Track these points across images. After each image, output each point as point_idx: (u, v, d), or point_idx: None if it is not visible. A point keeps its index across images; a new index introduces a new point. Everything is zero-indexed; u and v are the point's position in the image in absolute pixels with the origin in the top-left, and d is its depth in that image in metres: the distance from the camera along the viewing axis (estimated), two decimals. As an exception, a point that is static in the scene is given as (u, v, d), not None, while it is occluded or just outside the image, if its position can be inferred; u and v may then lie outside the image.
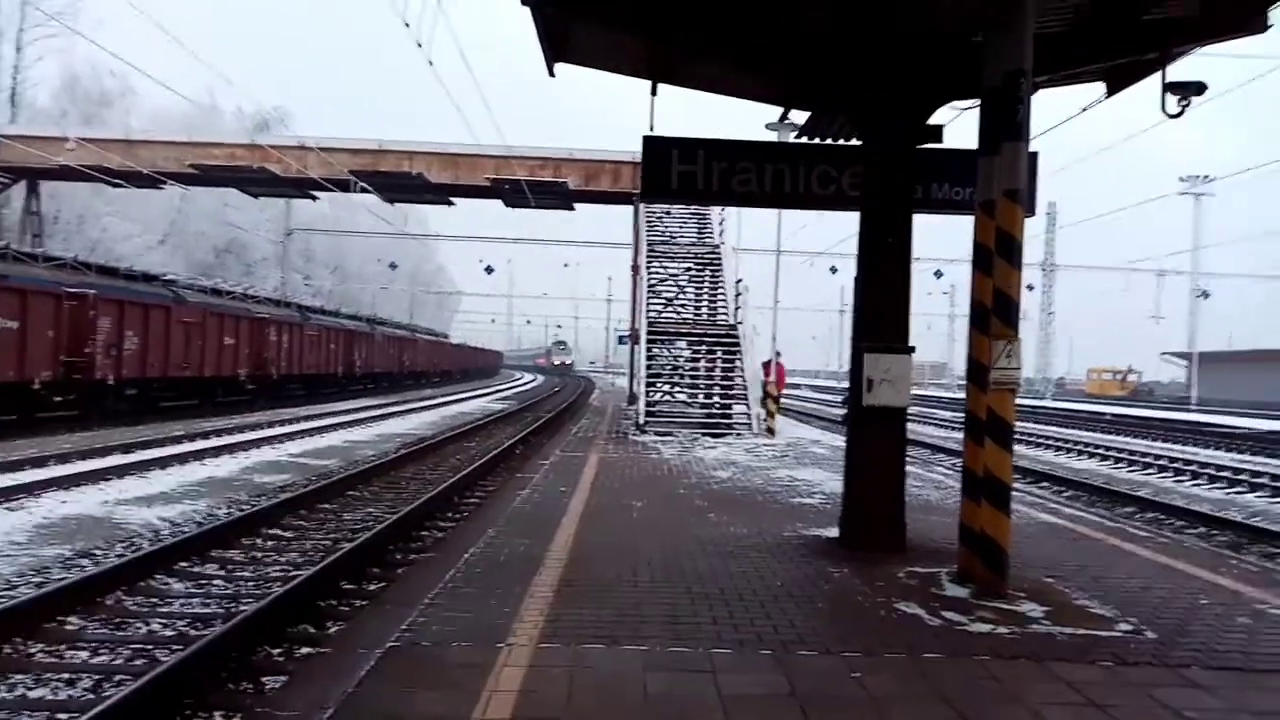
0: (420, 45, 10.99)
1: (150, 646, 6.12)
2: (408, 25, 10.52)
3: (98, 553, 8.75)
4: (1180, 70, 7.24)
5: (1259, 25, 6.63)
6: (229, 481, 13.61)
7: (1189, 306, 58.55)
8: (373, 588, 7.81)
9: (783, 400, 20.96)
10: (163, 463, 14.57)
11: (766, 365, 21.18)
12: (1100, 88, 8.01)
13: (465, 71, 15.76)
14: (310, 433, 21.17)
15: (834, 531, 8.06)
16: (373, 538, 9.12)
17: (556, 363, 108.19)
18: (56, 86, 50.86)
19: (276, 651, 6.15)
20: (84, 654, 5.99)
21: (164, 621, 6.69)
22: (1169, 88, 6.92)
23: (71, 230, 48.10)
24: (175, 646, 5.98)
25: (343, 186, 35.38)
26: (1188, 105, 6.89)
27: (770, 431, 18.99)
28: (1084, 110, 9.14)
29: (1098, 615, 5.68)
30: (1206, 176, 54.99)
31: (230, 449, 16.98)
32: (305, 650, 6.15)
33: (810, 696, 4.19)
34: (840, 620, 5.41)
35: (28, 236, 36.97)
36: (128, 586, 7.40)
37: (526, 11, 7.21)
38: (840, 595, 6.01)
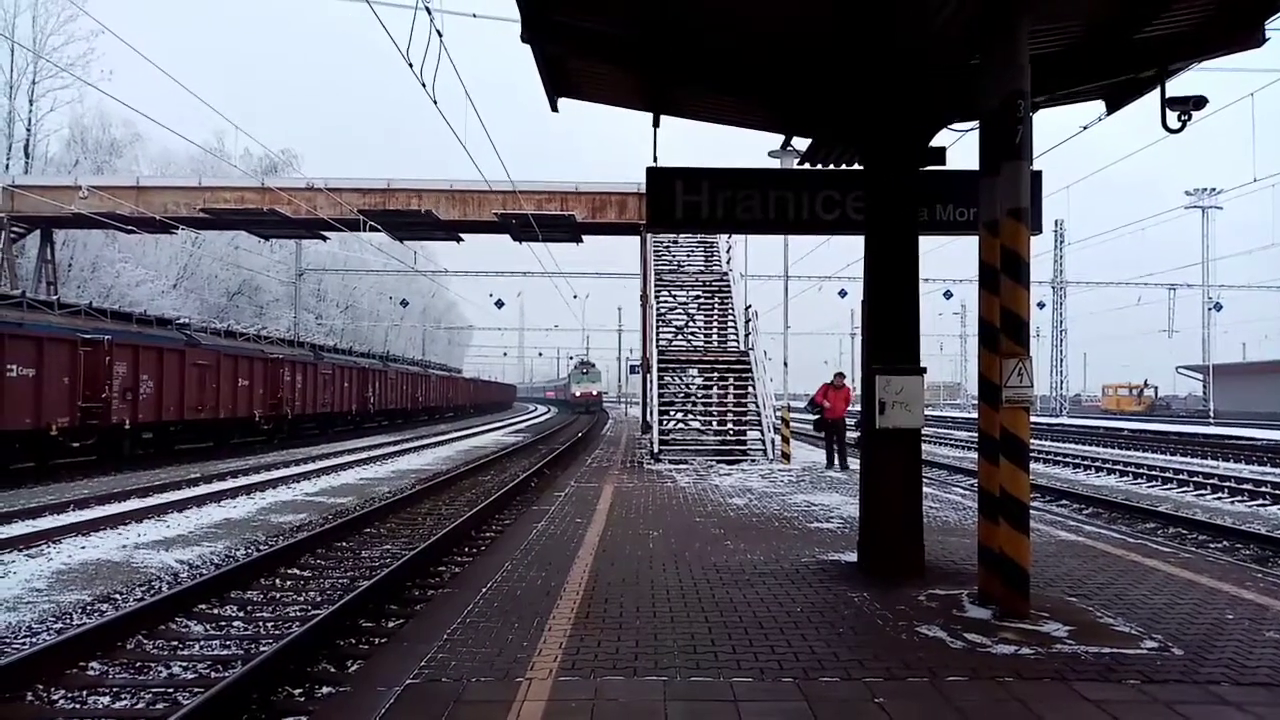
0: (424, 85, 11.13)
1: (171, 690, 6.12)
2: (411, 65, 10.66)
3: (117, 597, 8.78)
4: (1181, 85, 7.30)
5: (1256, 39, 6.67)
6: (246, 522, 13.65)
7: (1202, 320, 58.30)
8: (391, 625, 7.81)
9: (794, 425, 20.56)
10: (180, 505, 14.62)
11: (825, 389, 17.67)
12: (1100, 106, 8.06)
13: (470, 109, 15.93)
14: (326, 471, 21.22)
15: (852, 556, 8.03)
16: (390, 575, 9.12)
17: (579, 394, 78.47)
18: (68, 136, 51.58)
19: (297, 691, 6.15)
20: (105, 699, 5.99)
21: (184, 664, 6.70)
22: (1169, 103, 6.96)
23: (85, 277, 48.53)
24: (196, 689, 5.98)
25: (352, 226, 35.67)
26: (1188, 120, 6.92)
27: (785, 457, 18.94)
28: (1084, 128, 9.19)
29: (1122, 633, 5.63)
30: (1213, 189, 54.94)
31: (246, 490, 17.03)
32: (325, 690, 6.15)
33: (833, 723, 4.16)
34: (861, 645, 5.37)
35: (43, 284, 37.37)
36: (148, 630, 7.42)
37: (529, 49, 7.33)
38: (860, 620, 5.97)
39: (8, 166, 44.64)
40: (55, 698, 5.97)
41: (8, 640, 7.22)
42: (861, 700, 4.45)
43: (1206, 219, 55.65)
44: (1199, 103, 6.92)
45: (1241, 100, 20.55)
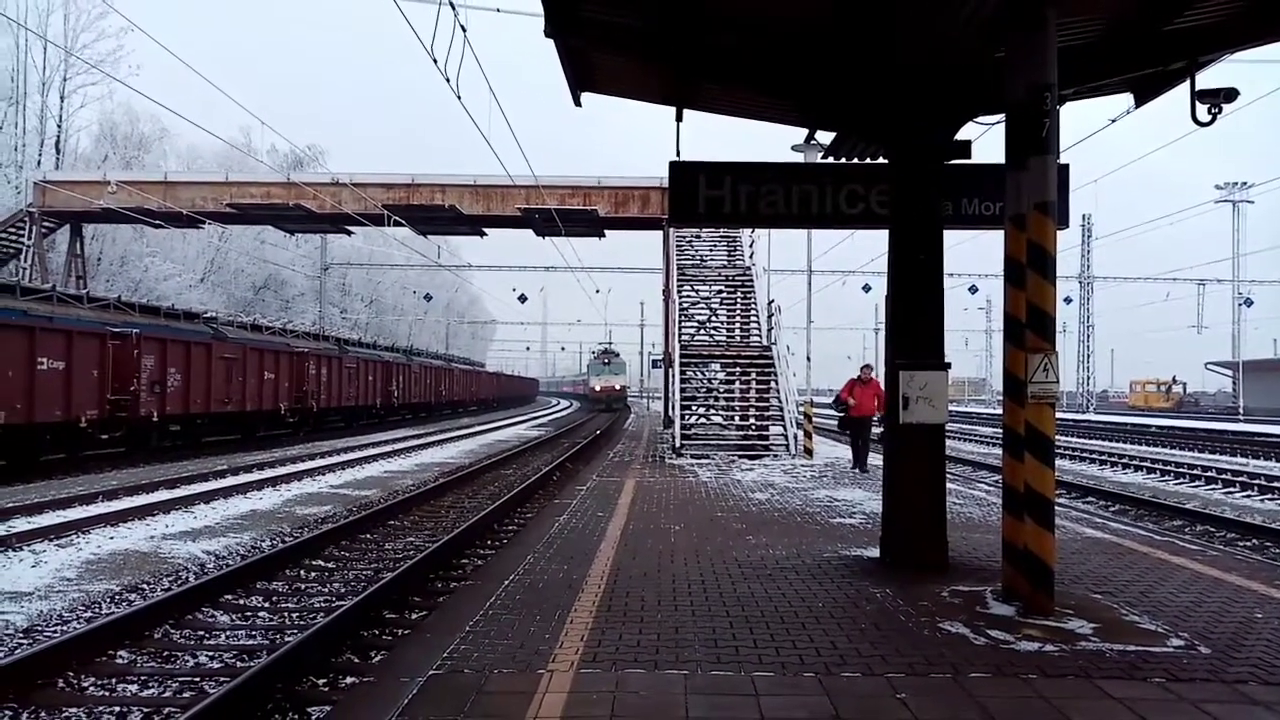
0: (449, 80, 11.16)
1: (198, 679, 6.19)
2: (435, 61, 10.69)
3: (145, 587, 8.89)
4: (1211, 77, 7.19)
5: (1289, 29, 6.56)
6: (272, 514, 13.78)
7: (1232, 315, 57.47)
8: (414, 616, 7.86)
9: (816, 420, 20.47)
10: (207, 497, 14.78)
11: (851, 384, 16.15)
12: (1128, 98, 7.96)
13: (493, 104, 15.95)
14: (350, 464, 21.38)
15: (875, 551, 8.00)
16: (414, 567, 9.18)
17: (599, 388, 69.62)
18: (97, 132, 52.21)
19: (321, 681, 6.20)
20: (134, 687, 6.07)
21: (211, 654, 6.78)
22: (1198, 96, 6.85)
23: (114, 271, 49.07)
24: (222, 678, 6.05)
25: (377, 221, 35.89)
26: (1219, 113, 6.82)
27: (808, 452, 18.88)
28: (1113, 122, 9.08)
29: (1148, 631, 5.58)
30: (1244, 183, 54.12)
31: (272, 482, 17.19)
32: (349, 680, 6.20)
33: (854, 718, 4.15)
34: (883, 641, 5.35)
35: (72, 279, 37.79)
36: (175, 620, 7.51)
37: (552, 43, 7.33)
38: (882, 615, 5.95)
39: (39, 162, 45.23)
40: (85, 685, 6.06)
41: (39, 628, 7.34)
42: (883, 696, 4.43)
43: (1237, 213, 54.83)
44: (1230, 95, 6.80)
45: (1275, 92, 20.19)
